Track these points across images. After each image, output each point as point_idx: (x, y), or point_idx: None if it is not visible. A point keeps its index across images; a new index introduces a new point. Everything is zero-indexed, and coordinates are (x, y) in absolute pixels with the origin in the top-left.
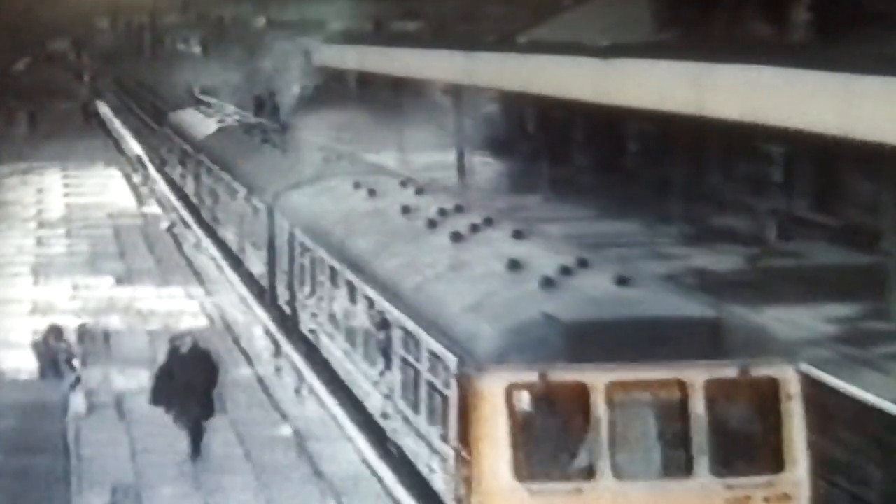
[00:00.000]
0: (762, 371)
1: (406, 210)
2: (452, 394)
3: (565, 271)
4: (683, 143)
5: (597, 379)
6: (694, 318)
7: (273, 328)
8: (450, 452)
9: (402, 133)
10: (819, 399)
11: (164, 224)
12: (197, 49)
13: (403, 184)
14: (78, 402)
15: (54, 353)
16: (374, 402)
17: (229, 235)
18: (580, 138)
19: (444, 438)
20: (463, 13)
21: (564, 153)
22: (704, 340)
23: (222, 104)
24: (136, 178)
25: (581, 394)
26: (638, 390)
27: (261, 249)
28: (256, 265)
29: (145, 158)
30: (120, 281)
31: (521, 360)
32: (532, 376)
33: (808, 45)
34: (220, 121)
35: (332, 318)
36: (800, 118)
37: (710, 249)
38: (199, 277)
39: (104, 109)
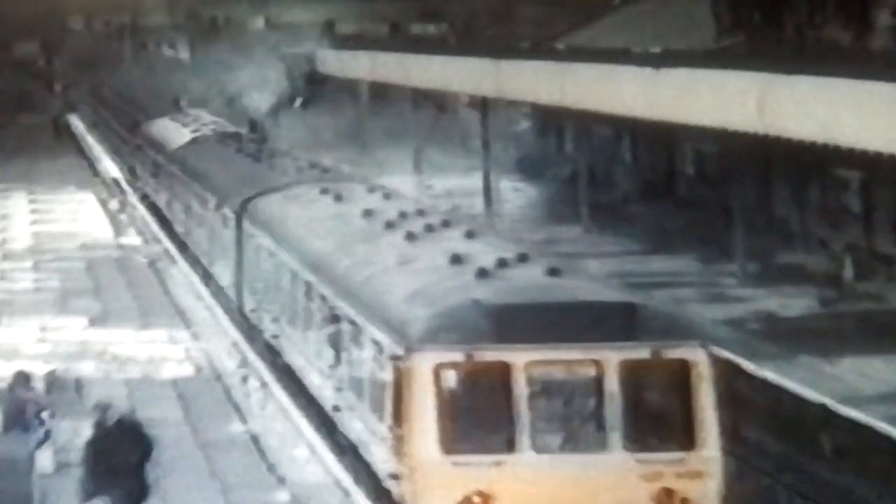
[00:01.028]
0: (674, 353)
1: (368, 213)
2: (387, 375)
3: (502, 263)
4: (747, 167)
5: (518, 358)
6: (610, 303)
7: (239, 338)
8: (386, 432)
9: (420, 153)
10: (731, 382)
11: (145, 258)
12: (185, 54)
13: (371, 190)
14: (45, 459)
15: (21, 404)
16: (326, 397)
17: (201, 248)
18: (627, 160)
19: (381, 419)
20: (493, 14)
21: (609, 177)
22: (619, 323)
23: (200, 113)
24: (114, 204)
25: (503, 372)
26: (556, 369)
27: (230, 260)
28: (226, 277)
29: (124, 181)
30: (94, 322)
31: (448, 342)
32: (458, 356)
33: (891, 54)
34: (194, 130)
35: (292, 320)
36: (881, 138)
37: (778, 291)
38: (184, 319)
39: (77, 124)
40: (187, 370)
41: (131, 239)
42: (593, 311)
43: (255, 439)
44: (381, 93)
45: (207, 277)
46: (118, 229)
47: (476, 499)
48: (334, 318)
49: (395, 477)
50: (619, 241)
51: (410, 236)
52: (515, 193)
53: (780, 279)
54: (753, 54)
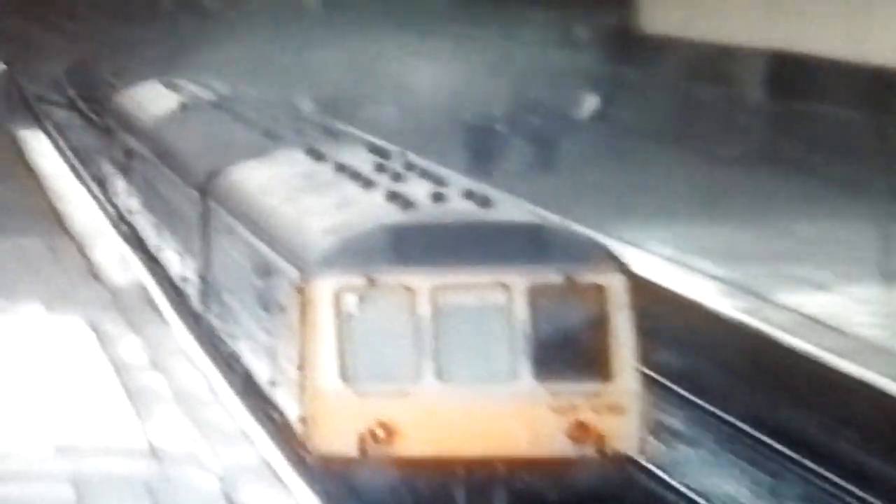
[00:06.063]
0: (589, 278)
1: (341, 168)
2: (294, 307)
3: (437, 198)
4: None
5: (422, 282)
6: (520, 224)
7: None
8: (293, 370)
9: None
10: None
11: (212, 477)
12: None
13: (373, 150)
14: None
15: None
16: (263, 372)
17: (171, 246)
18: None
19: (290, 359)
20: None
21: None
22: (530, 246)
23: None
24: (133, 346)
25: (407, 297)
26: (462, 294)
27: (196, 255)
28: (193, 280)
29: (156, 291)
30: None
31: (350, 265)
32: (359, 280)
33: None
34: (188, 95)
35: (243, 300)
36: None
37: None
38: None
39: (43, 152)
40: None
41: (173, 432)
42: (502, 232)
43: None
44: (793, 80)
45: None
46: (144, 408)
47: (378, 431)
48: (267, 273)
49: (302, 419)
50: None
51: (368, 183)
52: None
53: None
54: None
